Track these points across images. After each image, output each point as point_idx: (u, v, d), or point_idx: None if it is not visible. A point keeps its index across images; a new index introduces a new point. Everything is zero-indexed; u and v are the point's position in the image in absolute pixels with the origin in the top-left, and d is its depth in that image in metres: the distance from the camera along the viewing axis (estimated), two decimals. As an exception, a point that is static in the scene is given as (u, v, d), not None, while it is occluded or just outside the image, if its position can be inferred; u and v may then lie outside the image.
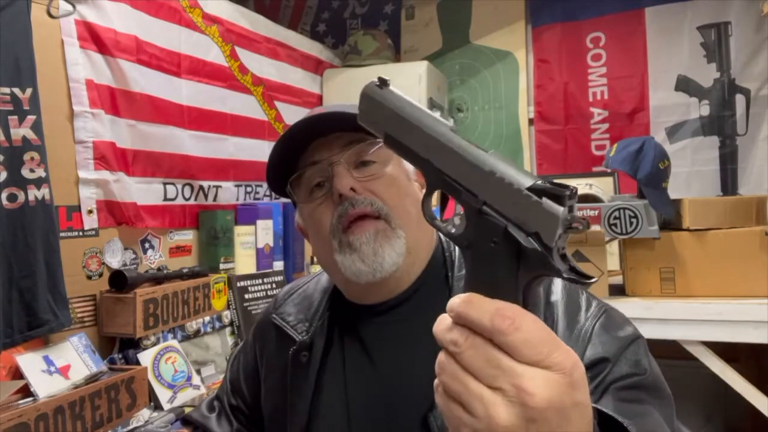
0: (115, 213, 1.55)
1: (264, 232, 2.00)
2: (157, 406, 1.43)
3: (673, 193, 2.00)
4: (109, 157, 1.52)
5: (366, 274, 0.75)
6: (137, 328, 1.44)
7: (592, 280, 0.38)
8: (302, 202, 0.83)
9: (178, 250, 1.80)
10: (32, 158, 1.26)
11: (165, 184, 1.74)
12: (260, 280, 1.94)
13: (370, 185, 0.77)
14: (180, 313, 1.60)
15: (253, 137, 2.12)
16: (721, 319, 1.79)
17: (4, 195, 1.21)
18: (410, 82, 2.49)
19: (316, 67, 2.58)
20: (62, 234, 1.37)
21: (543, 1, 2.82)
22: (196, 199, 1.87)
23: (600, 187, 2.38)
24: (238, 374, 1.00)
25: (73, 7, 1.43)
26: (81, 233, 1.46)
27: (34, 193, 1.26)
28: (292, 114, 2.33)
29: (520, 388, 0.37)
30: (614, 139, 2.57)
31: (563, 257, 0.38)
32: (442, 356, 0.41)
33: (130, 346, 1.48)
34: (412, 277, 0.80)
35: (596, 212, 1.96)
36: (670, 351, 1.76)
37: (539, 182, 0.38)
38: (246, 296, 1.88)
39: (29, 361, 1.20)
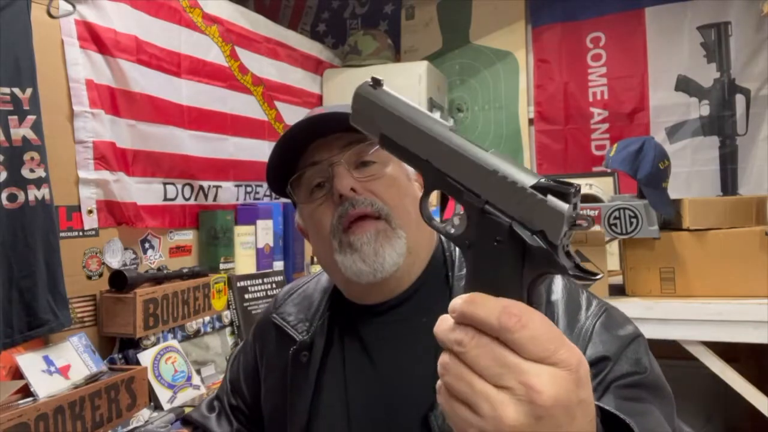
0: (115, 213, 1.55)
1: (264, 232, 2.00)
2: (157, 406, 1.43)
3: (673, 193, 2.00)
4: (109, 157, 1.52)
5: (367, 275, 0.75)
6: (137, 328, 1.44)
7: (598, 277, 0.38)
8: (302, 203, 0.83)
9: (178, 250, 1.80)
10: (32, 158, 1.26)
11: (165, 184, 1.74)
12: (260, 280, 1.94)
13: (371, 185, 0.77)
14: (180, 313, 1.60)
15: (253, 137, 2.12)
16: (721, 319, 1.79)
17: (4, 195, 1.21)
18: (410, 82, 2.50)
19: (316, 67, 2.58)
20: (62, 234, 1.37)
21: (543, 1, 2.82)
22: (196, 199, 1.87)
23: (600, 187, 2.38)
24: (238, 374, 1.00)
25: (73, 7, 1.43)
26: (81, 233, 1.46)
27: (34, 193, 1.26)
28: (292, 114, 2.33)
29: (528, 386, 0.36)
30: (614, 139, 2.57)
31: (568, 254, 0.38)
32: (445, 357, 0.40)
33: (130, 346, 1.48)
34: (413, 277, 0.80)
35: (596, 212, 1.96)
36: (670, 351, 1.76)
37: (543, 180, 0.38)
38: (246, 296, 1.88)
39: (29, 361, 1.20)
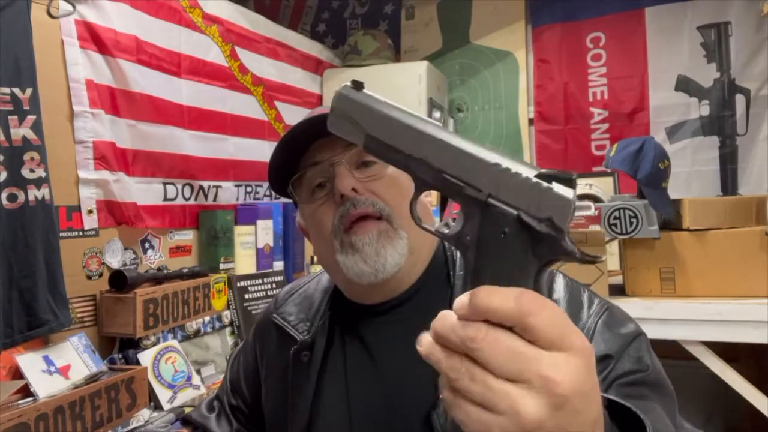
0: (115, 213, 1.55)
1: (264, 232, 2.00)
2: (157, 406, 1.43)
3: (673, 193, 2.00)
4: (109, 157, 1.52)
5: (368, 275, 0.74)
6: (137, 328, 1.44)
7: (601, 259, 0.39)
8: (304, 203, 0.82)
9: (178, 250, 1.80)
10: (32, 158, 1.26)
11: (165, 184, 1.74)
12: (260, 280, 1.94)
13: (372, 186, 0.77)
14: (180, 313, 1.60)
15: (253, 137, 2.12)
16: (721, 319, 1.79)
17: (4, 195, 1.21)
18: (410, 82, 2.50)
19: (316, 67, 2.58)
20: (62, 234, 1.37)
21: (543, 1, 2.82)
22: (196, 199, 1.87)
23: (600, 187, 2.38)
24: (238, 374, 1.00)
25: (73, 7, 1.43)
26: (81, 233, 1.46)
27: (34, 193, 1.26)
28: (292, 114, 2.33)
29: (546, 377, 0.35)
30: (614, 139, 2.57)
31: (571, 242, 0.39)
32: (452, 361, 0.38)
33: (130, 346, 1.48)
34: (414, 278, 0.80)
35: (596, 212, 1.96)
36: (670, 351, 1.76)
37: (543, 170, 0.39)
38: (246, 296, 1.88)
39: (29, 361, 1.20)
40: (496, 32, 2.89)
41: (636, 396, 0.64)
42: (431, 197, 0.95)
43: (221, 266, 1.85)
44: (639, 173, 1.93)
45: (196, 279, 1.69)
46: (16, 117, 1.23)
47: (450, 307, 0.39)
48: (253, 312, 1.87)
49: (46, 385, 1.19)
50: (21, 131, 1.24)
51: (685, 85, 2.60)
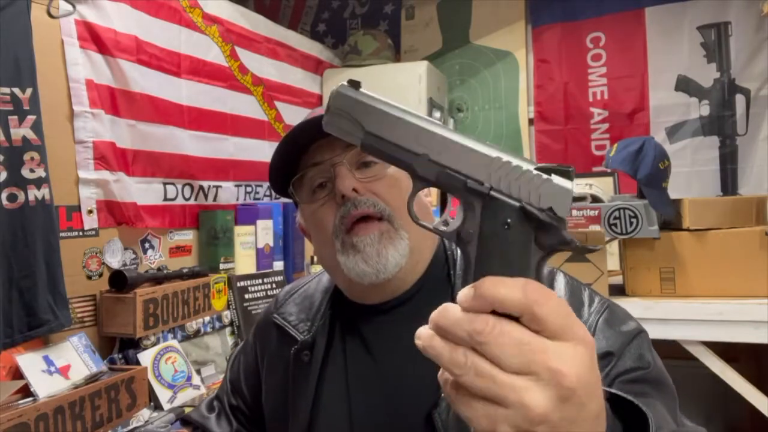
0: (115, 213, 1.55)
1: (264, 232, 2.00)
2: (157, 406, 1.43)
3: (673, 193, 2.00)
4: (109, 157, 1.52)
5: (369, 276, 0.74)
6: (137, 328, 1.44)
7: (598, 247, 0.42)
8: (304, 203, 0.82)
9: (178, 250, 1.80)
10: (32, 158, 1.26)
11: (165, 184, 1.74)
12: (260, 280, 1.94)
13: (372, 186, 0.77)
14: (180, 313, 1.60)
15: (253, 137, 2.12)
16: (721, 319, 1.79)
17: (4, 195, 1.21)
18: (410, 82, 2.50)
19: (316, 67, 2.58)
20: (62, 234, 1.36)
21: (543, 1, 2.82)
22: (196, 199, 1.87)
23: (600, 187, 2.38)
24: (238, 374, 1.00)
25: (73, 7, 1.43)
26: (81, 233, 1.46)
27: (34, 193, 1.26)
28: (292, 114, 2.33)
29: (553, 369, 0.35)
30: (614, 139, 2.57)
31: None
32: (456, 356, 0.37)
33: (130, 346, 1.48)
34: (415, 277, 0.80)
35: (596, 212, 1.96)
36: (670, 351, 1.75)
37: (541, 165, 0.41)
38: (246, 296, 1.88)
39: (29, 361, 1.20)
40: (496, 32, 2.89)
41: (637, 393, 0.64)
42: (431, 197, 0.95)
43: (221, 266, 1.85)
44: (639, 173, 1.93)
45: (196, 279, 1.69)
46: (16, 117, 1.23)
47: None
48: (253, 312, 1.87)
49: (46, 385, 1.19)
50: (21, 131, 1.24)
51: (685, 85, 2.60)
